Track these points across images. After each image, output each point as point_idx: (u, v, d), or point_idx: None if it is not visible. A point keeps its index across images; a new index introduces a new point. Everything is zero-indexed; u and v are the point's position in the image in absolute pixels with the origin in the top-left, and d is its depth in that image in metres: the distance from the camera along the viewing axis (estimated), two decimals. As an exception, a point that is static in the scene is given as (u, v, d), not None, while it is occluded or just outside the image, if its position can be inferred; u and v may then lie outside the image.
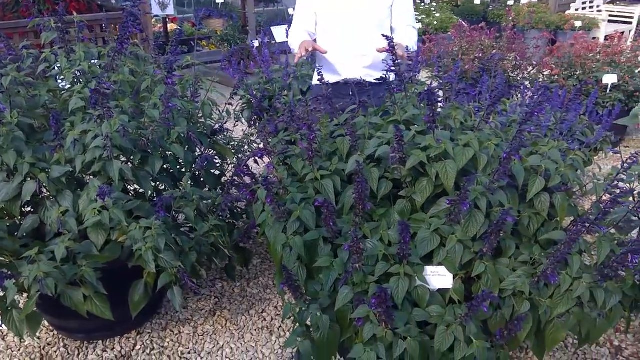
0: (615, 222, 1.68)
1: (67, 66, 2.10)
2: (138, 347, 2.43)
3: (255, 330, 2.54)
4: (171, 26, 9.12)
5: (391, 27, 2.79)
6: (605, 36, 7.59)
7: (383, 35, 2.02)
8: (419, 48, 2.95)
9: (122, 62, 2.05)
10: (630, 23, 8.60)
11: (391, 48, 2.02)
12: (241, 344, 2.45)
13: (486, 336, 1.70)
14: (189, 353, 2.39)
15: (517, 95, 4.20)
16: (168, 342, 2.45)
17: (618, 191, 1.56)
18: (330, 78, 2.65)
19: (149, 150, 1.96)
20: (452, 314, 1.58)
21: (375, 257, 1.68)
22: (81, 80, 2.13)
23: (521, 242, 1.75)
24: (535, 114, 1.55)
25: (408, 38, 2.71)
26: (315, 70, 2.86)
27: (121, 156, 1.95)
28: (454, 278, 1.66)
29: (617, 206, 1.52)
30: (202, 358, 2.36)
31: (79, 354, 2.39)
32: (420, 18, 7.86)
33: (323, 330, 1.69)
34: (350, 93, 2.16)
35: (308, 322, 1.76)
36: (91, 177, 1.96)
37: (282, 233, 1.75)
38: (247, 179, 1.93)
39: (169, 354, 2.38)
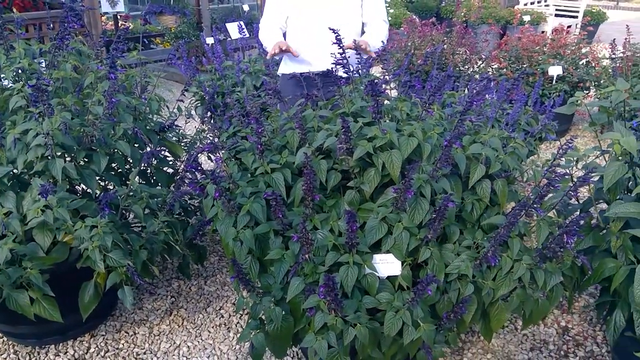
0: (553, 206, 1.75)
1: (6, 64, 2.04)
2: (92, 350, 2.38)
3: (213, 327, 2.52)
4: (121, 24, 8.94)
5: (362, 21, 2.82)
6: (553, 29, 7.86)
7: (330, 29, 2.04)
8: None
9: (63, 59, 2.00)
10: (576, 17, 8.93)
11: (338, 41, 2.05)
12: (198, 342, 2.44)
13: (435, 320, 1.76)
14: (144, 354, 2.36)
15: (466, 88, 4.32)
16: (123, 344, 2.42)
17: (554, 176, 1.63)
18: (300, 69, 2.65)
19: (95, 148, 1.92)
20: (400, 300, 1.62)
21: (326, 247, 1.70)
22: (22, 78, 2.07)
23: (465, 228, 1.81)
24: (475, 103, 1.60)
25: (377, 33, 2.74)
26: (283, 61, 2.87)
27: (66, 154, 1.91)
28: (402, 265, 1.70)
29: (553, 190, 1.58)
30: (158, 358, 2.34)
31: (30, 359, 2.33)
32: (374, 14, 7.93)
33: (276, 322, 1.70)
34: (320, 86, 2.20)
35: (262, 316, 1.77)
36: (35, 177, 1.91)
37: (233, 227, 1.75)
38: (198, 175, 1.92)
39: (124, 356, 2.35)
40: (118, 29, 8.18)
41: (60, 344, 2.40)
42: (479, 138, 1.82)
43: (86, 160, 1.94)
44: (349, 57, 2.09)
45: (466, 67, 5.09)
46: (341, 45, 2.05)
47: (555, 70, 4.51)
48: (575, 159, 1.96)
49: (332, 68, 2.00)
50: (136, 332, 2.49)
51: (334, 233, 1.74)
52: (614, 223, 1.67)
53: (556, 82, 4.60)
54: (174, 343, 2.43)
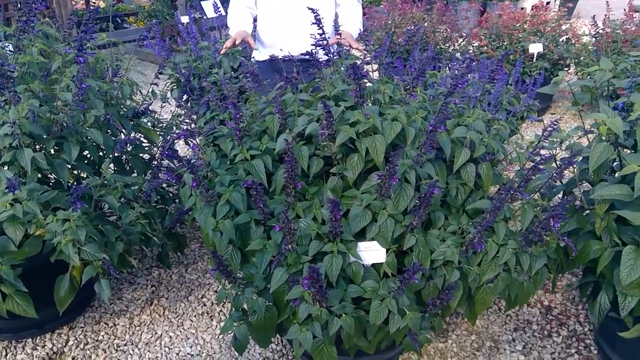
0: (538, 189, 1.73)
1: (-33, 48, 1.93)
2: (71, 342, 2.32)
3: (195, 316, 2.48)
4: (96, 3, 8.66)
5: (335, 1, 2.75)
6: (532, 6, 7.82)
7: (309, 8, 1.96)
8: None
9: (29, 42, 1.89)
10: (555, -7, 8.89)
11: (317, 21, 1.97)
12: (180, 331, 2.39)
13: (420, 306, 1.74)
14: (125, 345, 2.31)
15: (447, 68, 4.27)
16: (103, 336, 2.36)
17: (539, 158, 1.61)
18: (273, 53, 2.58)
19: (66, 136, 1.83)
20: (386, 288, 1.59)
21: (309, 236, 1.66)
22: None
23: (450, 213, 1.78)
24: (459, 86, 1.56)
25: (354, 19, 2.66)
26: (257, 46, 2.79)
27: (35, 144, 1.82)
28: (387, 252, 1.67)
29: (537, 173, 1.56)
30: (139, 349, 2.29)
31: (6, 355, 2.26)
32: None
33: (259, 313, 1.67)
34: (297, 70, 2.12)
35: (245, 306, 1.73)
36: (2, 167, 1.82)
37: (212, 217, 1.69)
38: (174, 162, 1.85)
39: (104, 347, 2.29)
40: (89, 8, 7.92)
41: (38, 338, 2.33)
42: (462, 121, 1.78)
43: (57, 149, 1.85)
44: (329, 37, 2.02)
45: (447, 45, 5.05)
46: (321, 25, 1.97)
47: (535, 48, 4.49)
48: (559, 140, 1.93)
49: (311, 50, 1.93)
50: (116, 323, 2.44)
51: (317, 221, 1.69)
52: (599, 205, 1.66)
53: (537, 59, 4.59)
54: (156, 333, 2.38)
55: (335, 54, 2.08)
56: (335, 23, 2.27)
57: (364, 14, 5.28)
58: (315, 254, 1.63)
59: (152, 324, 2.43)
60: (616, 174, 1.64)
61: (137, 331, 2.39)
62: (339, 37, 2.22)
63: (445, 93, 1.59)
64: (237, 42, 2.48)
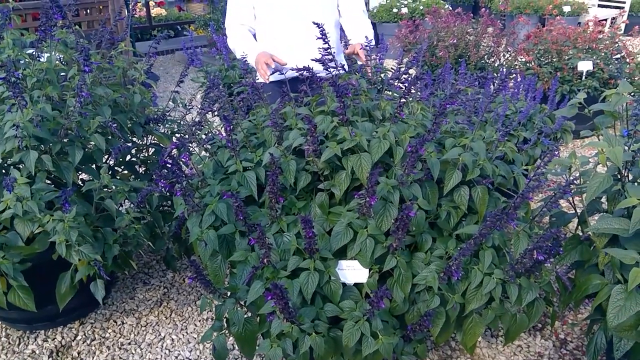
0: (533, 217, 1.63)
1: (-6, 54, 2.06)
2: (79, 337, 2.41)
3: (200, 321, 2.52)
4: (156, 11, 9.03)
5: (339, 11, 2.60)
6: (585, 22, 7.45)
7: (314, 23, 1.96)
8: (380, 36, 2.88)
9: (47, 50, 2.00)
10: (622, 7, 8.44)
11: (323, 36, 1.96)
12: (183, 335, 2.43)
13: (403, 330, 1.68)
14: (129, 344, 2.38)
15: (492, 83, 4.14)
16: (110, 333, 2.44)
17: (537, 183, 1.52)
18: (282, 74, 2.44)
19: (73, 140, 1.92)
20: (362, 309, 1.56)
21: (291, 251, 1.65)
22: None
23: (442, 236, 1.71)
24: (448, 106, 1.50)
25: (361, 30, 2.53)
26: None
27: (43, 146, 1.91)
28: (369, 272, 1.63)
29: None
30: (141, 349, 2.35)
31: (19, 344, 2.38)
32: (406, 2, 7.73)
33: (238, 325, 1.67)
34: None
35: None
36: (12, 167, 1.93)
37: (198, 226, 1.71)
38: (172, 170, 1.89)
39: (109, 345, 2.37)
40: (150, 16, 8.29)
41: (50, 330, 2.44)
42: (460, 142, 1.72)
43: (64, 152, 1.94)
44: (334, 52, 2.00)
45: (492, 60, 4.90)
46: (326, 40, 1.96)
47: (584, 66, 4.27)
48: (569, 166, 1.82)
49: (312, 66, 1.93)
50: (124, 321, 2.51)
51: (300, 236, 1.68)
52: (598, 239, 1.54)
53: (586, 78, 4.36)
54: (159, 335, 2.43)
55: (341, 67, 2.06)
56: (341, 36, 2.23)
57: (408, 27, 5.23)
58: (295, 270, 1.62)
59: (158, 325, 2.49)
60: (615, 207, 1.52)
61: (142, 331, 2.45)
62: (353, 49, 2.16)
63: (436, 113, 1.54)
64: (272, 65, 2.28)
